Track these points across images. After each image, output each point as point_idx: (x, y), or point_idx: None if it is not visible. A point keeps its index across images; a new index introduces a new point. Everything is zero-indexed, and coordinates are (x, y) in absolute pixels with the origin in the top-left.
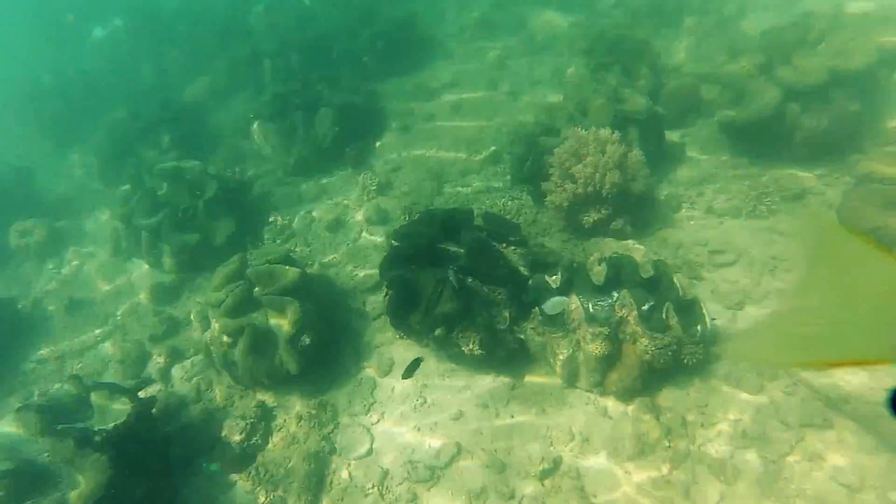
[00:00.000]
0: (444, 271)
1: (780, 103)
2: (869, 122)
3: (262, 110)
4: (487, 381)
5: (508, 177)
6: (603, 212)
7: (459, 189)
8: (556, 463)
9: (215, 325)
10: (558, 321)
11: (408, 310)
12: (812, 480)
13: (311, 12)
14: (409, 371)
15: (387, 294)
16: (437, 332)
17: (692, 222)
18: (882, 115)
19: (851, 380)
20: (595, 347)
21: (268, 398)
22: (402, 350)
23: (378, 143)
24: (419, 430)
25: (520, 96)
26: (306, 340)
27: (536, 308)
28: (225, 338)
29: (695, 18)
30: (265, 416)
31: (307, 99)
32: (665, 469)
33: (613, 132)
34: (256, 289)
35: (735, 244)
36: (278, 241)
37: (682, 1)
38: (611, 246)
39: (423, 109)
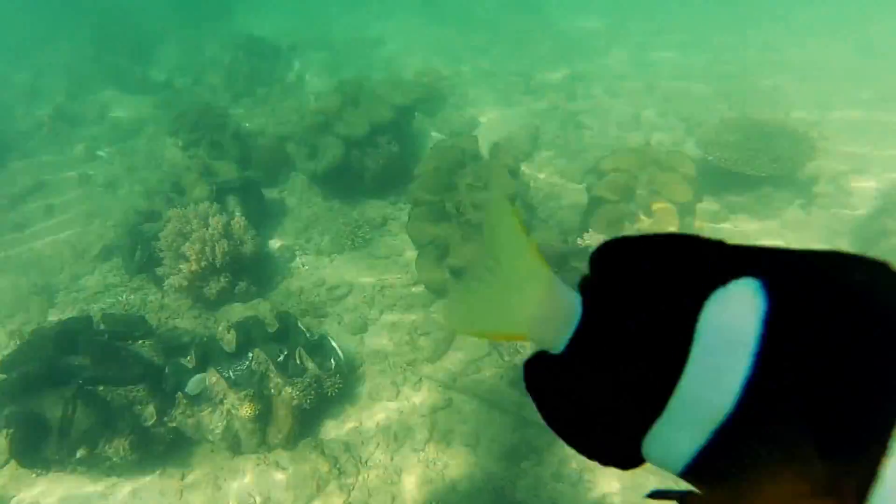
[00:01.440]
0: (70, 388)
1: (345, 152)
2: (409, 159)
3: None
4: (155, 480)
5: (124, 270)
6: (223, 280)
7: (75, 295)
8: None
9: None
10: (203, 398)
11: (39, 443)
12: (455, 453)
13: None
14: None
15: (7, 436)
16: (81, 453)
17: (307, 267)
18: (414, 152)
19: (454, 360)
20: (245, 411)
21: None
22: (49, 486)
23: None
24: None
25: (117, 186)
26: None
27: (179, 393)
28: None
29: (265, 88)
30: None
31: None
32: (344, 495)
33: (212, 204)
34: None
35: (346, 277)
36: None
37: (252, 74)
38: (239, 310)
39: (8, 219)
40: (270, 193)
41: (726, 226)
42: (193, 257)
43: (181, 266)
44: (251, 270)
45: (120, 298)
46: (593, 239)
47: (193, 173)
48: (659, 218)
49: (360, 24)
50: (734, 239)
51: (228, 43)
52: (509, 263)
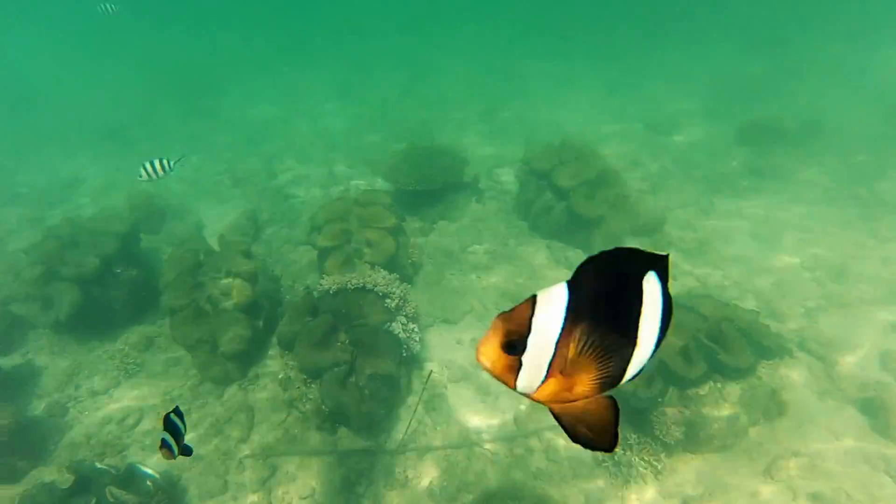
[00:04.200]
0: None
1: (83, 292)
2: (151, 278)
3: None
4: None
5: None
6: None
7: None
8: None
9: None
10: None
11: None
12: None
13: None
14: None
15: None
16: None
17: (87, 413)
18: (154, 270)
19: (262, 431)
20: None
21: None
22: None
23: None
24: None
25: None
26: None
27: None
28: None
29: None
30: None
31: None
32: None
33: None
34: None
35: (132, 404)
36: None
37: None
38: (15, 491)
39: None
40: (11, 361)
41: (433, 237)
42: None
43: None
44: (15, 446)
45: None
46: (329, 281)
47: None
48: (378, 245)
49: (46, 166)
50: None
51: None
52: None
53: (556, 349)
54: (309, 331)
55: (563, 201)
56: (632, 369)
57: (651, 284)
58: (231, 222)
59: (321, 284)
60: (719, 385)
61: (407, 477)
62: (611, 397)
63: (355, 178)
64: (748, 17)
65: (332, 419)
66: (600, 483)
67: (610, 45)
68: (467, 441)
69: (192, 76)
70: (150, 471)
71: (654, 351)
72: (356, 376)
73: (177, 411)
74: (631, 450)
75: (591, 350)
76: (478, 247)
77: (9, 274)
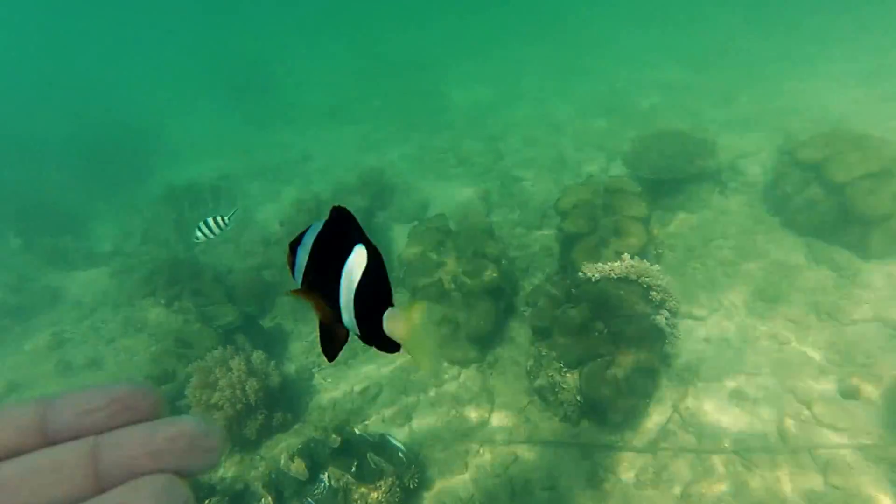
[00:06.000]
0: None
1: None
2: (383, 252)
3: None
4: None
5: None
6: (260, 417)
7: None
8: None
9: None
10: None
11: None
12: (540, 501)
13: None
14: None
15: None
16: None
17: (329, 380)
18: (386, 245)
19: (501, 417)
20: None
21: None
22: None
23: None
24: None
25: (102, 363)
26: None
27: None
28: None
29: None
30: None
31: None
32: None
33: (226, 347)
34: None
35: (371, 376)
36: None
37: (200, 219)
38: (283, 439)
39: None
40: (264, 323)
41: (672, 228)
42: (227, 403)
43: (216, 415)
44: (283, 400)
45: None
46: (591, 269)
47: (195, 324)
48: (627, 234)
49: (277, 144)
50: None
51: (163, 199)
52: None
53: (308, 261)
54: (568, 319)
55: (833, 196)
56: (344, 314)
57: (358, 256)
58: (464, 201)
59: (582, 273)
60: None
61: (660, 478)
62: (346, 330)
63: (585, 164)
64: None
65: (583, 410)
66: None
67: (868, 16)
68: (722, 447)
69: (404, 57)
70: (399, 444)
71: (358, 313)
72: (616, 369)
73: None
74: None
75: (312, 271)
76: (722, 241)
77: (261, 244)
